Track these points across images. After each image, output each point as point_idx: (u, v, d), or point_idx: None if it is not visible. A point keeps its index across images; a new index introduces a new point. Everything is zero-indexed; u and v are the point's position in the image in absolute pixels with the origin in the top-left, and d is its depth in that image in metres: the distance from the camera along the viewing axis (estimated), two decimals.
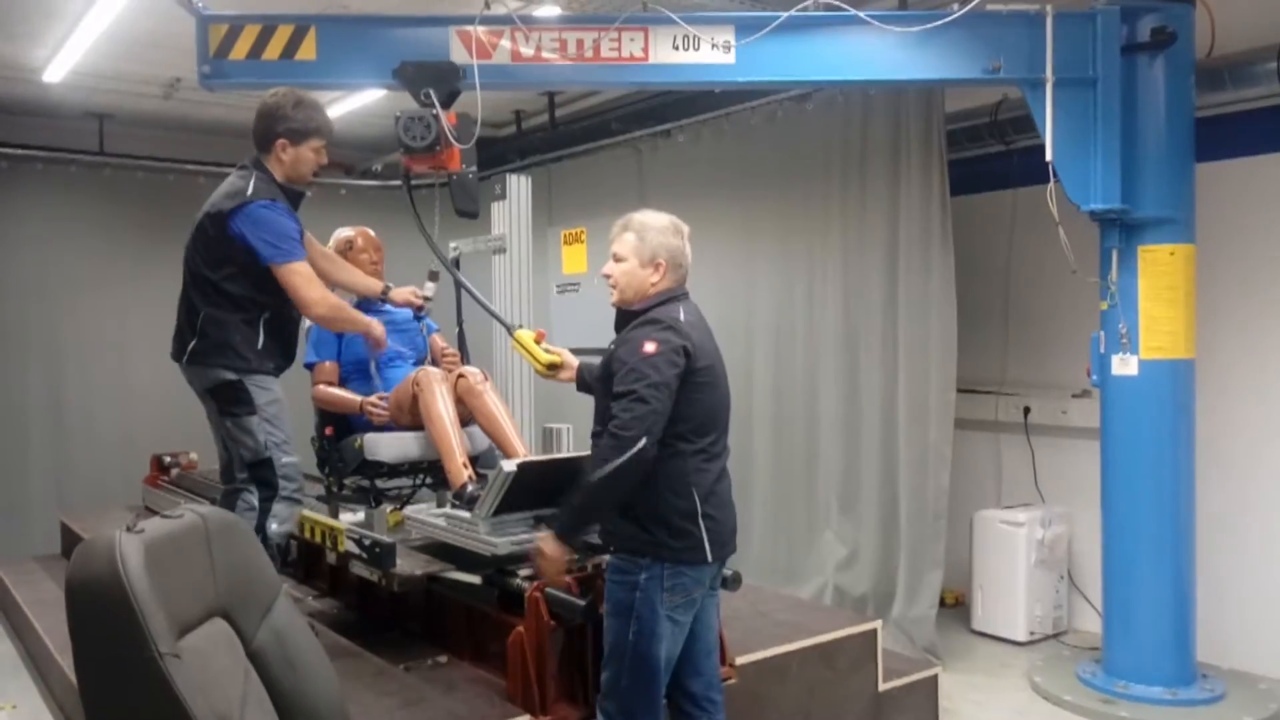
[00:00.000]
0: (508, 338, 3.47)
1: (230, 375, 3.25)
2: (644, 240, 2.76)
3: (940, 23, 3.81)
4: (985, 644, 5.07)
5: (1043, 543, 5.01)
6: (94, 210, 7.09)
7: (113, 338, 7.12)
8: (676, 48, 3.82)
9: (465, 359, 4.14)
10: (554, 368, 3.16)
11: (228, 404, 3.27)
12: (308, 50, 3.73)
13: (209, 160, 7.32)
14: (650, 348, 2.59)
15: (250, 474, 3.32)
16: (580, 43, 3.81)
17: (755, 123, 5.78)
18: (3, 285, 6.78)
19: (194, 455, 6.05)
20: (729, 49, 3.83)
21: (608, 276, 2.81)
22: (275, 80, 3.55)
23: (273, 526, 3.30)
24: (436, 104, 3.51)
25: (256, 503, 3.31)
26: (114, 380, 7.11)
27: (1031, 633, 5.03)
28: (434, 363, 4.11)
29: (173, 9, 4.58)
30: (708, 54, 3.83)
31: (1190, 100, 4.17)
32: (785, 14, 3.78)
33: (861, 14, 3.81)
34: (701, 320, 2.79)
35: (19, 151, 6.74)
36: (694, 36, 3.81)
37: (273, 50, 3.71)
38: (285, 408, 3.39)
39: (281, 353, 3.41)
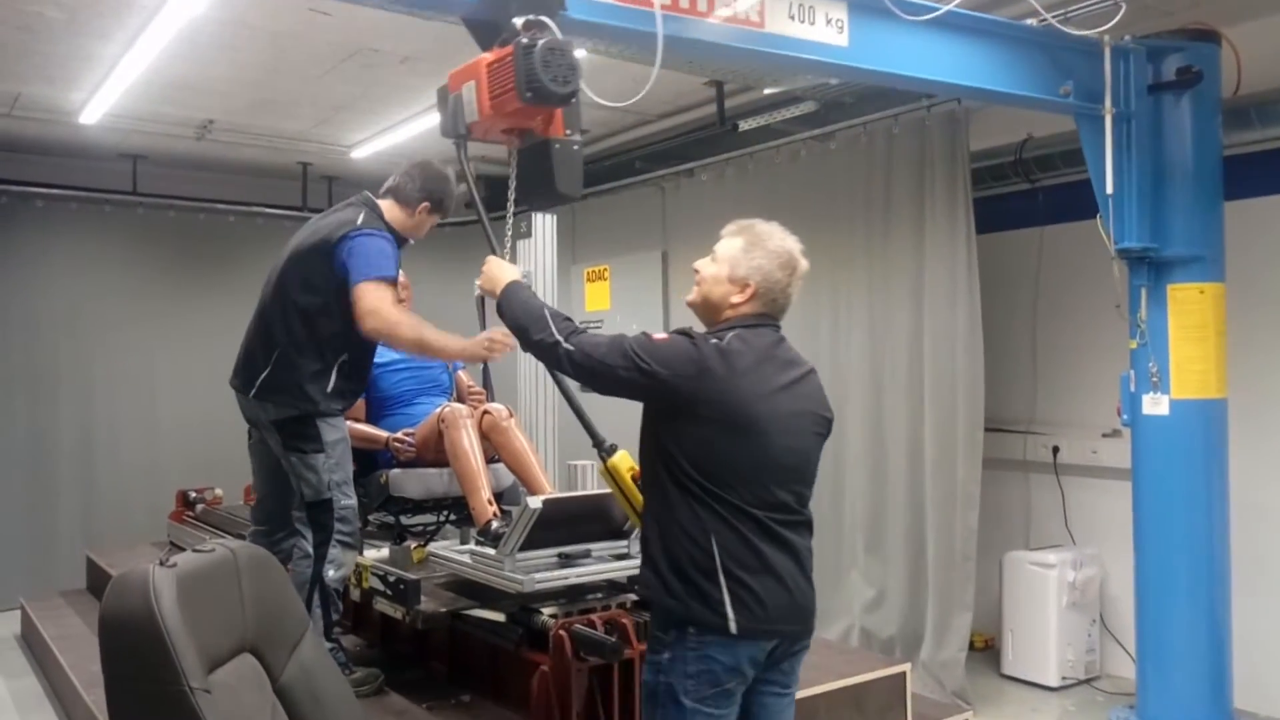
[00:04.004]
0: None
1: (298, 411, 3.24)
2: (748, 255, 2.39)
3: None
4: (1016, 688, 4.98)
5: (1074, 585, 4.92)
6: (126, 249, 7.23)
7: (141, 374, 7.21)
8: (791, 17, 3.37)
9: (491, 395, 4.15)
10: None
11: (294, 439, 3.24)
12: None
13: (239, 200, 7.46)
14: (660, 336, 2.29)
15: (307, 514, 3.27)
16: None
17: (779, 162, 5.81)
18: (36, 322, 6.89)
19: (219, 491, 6.10)
20: (842, 29, 3.44)
21: (696, 271, 2.47)
22: None
23: (330, 573, 3.23)
24: (558, 32, 2.53)
25: (311, 549, 3.24)
26: (141, 416, 7.19)
27: (1063, 678, 4.93)
28: (460, 399, 4.13)
29: (206, 54, 4.68)
30: (822, 30, 3.41)
31: (1217, 138, 4.15)
32: (946, 6, 3.40)
33: (1051, 18, 3.57)
34: (768, 356, 2.36)
35: (54, 191, 6.87)
36: (810, 8, 3.37)
37: None
38: (349, 448, 3.36)
39: (354, 391, 3.40)
